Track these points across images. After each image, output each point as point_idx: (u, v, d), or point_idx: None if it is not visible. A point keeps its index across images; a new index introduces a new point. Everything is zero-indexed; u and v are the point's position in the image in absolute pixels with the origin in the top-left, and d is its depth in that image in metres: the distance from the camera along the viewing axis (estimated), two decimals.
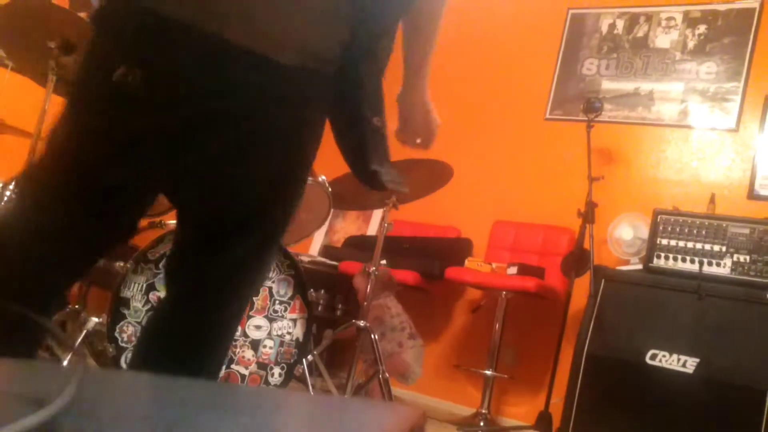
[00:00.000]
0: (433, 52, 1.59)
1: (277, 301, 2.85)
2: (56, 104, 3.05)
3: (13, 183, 2.83)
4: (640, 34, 4.48)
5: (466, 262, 4.08)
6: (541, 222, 4.33)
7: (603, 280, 3.45)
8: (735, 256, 3.21)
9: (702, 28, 4.30)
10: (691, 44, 4.30)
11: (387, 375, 3.04)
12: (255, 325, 2.79)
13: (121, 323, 2.55)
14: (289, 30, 1.27)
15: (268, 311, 2.82)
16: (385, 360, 3.18)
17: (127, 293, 2.58)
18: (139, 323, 2.58)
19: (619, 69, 4.48)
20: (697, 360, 3.06)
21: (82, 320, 2.74)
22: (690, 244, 3.32)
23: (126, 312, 2.57)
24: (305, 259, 4.33)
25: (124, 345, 2.54)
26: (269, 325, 2.82)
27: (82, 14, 3.04)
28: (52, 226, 1.25)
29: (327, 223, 4.36)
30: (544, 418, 3.38)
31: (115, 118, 1.23)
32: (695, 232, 3.32)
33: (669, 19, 4.42)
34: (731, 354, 3.01)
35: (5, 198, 3.09)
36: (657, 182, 4.16)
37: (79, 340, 2.62)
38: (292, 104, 1.33)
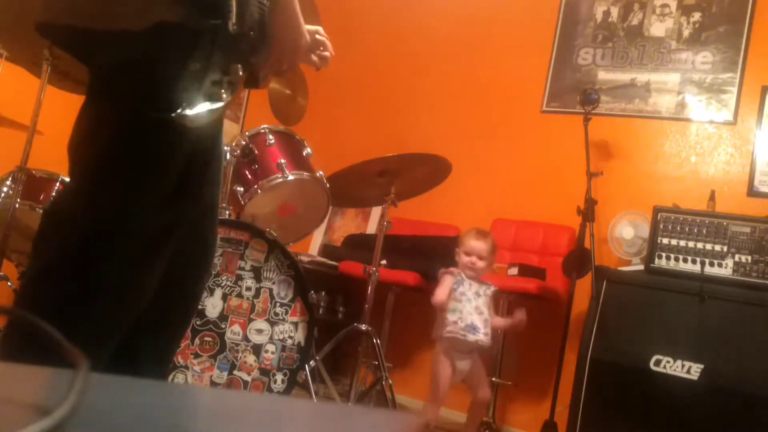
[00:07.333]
0: None
1: (278, 304, 2.79)
2: (51, 96, 3.01)
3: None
4: (635, 21, 4.43)
5: None
6: (540, 220, 4.29)
7: (605, 282, 3.42)
8: (737, 257, 3.19)
9: (696, 16, 4.25)
10: (686, 33, 4.25)
11: (390, 381, 3.03)
12: (256, 329, 2.74)
13: None
14: None
15: (269, 314, 2.77)
16: None
17: None
18: None
19: (615, 59, 4.43)
20: (702, 366, 3.05)
21: None
22: (691, 244, 3.29)
23: None
24: (305, 258, 4.31)
25: None
26: (270, 329, 2.77)
27: None
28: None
29: (326, 222, 4.33)
30: (549, 427, 3.37)
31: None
32: (696, 230, 3.30)
33: (663, 6, 4.37)
34: (735, 360, 2.99)
35: (2, 194, 3.05)
36: (656, 178, 4.12)
37: None
38: None
